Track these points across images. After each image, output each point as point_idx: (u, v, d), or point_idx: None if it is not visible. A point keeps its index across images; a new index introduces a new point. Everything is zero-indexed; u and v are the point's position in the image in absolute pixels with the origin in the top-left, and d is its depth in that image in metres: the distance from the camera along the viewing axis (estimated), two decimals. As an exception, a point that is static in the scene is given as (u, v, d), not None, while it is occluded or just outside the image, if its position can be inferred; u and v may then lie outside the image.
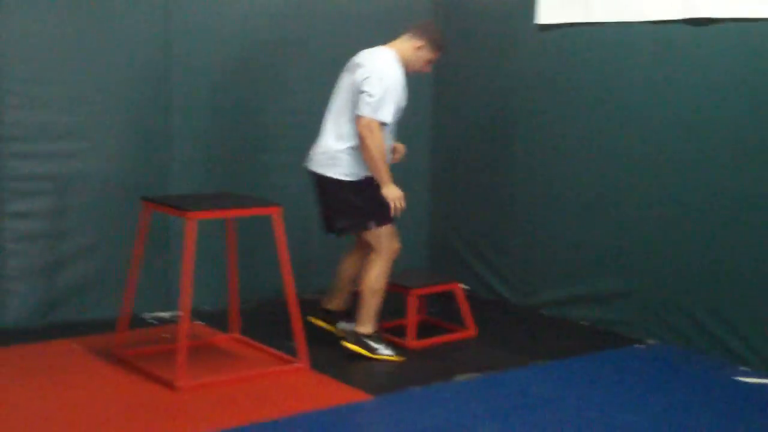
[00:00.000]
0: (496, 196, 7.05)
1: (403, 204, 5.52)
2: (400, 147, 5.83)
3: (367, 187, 5.51)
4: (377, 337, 5.62)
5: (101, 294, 6.06)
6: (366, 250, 5.69)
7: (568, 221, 6.56)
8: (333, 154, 5.52)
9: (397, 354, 5.59)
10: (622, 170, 6.20)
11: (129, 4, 6.06)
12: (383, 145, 5.45)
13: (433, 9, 7.35)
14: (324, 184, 5.60)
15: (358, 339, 5.58)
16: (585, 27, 6.35)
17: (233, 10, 6.43)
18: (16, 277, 5.81)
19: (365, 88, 5.39)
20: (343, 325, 5.81)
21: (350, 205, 5.58)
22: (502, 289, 7.04)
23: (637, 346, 6.00)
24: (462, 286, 6.49)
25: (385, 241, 5.59)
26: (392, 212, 5.51)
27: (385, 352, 5.57)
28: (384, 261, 5.61)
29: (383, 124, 5.42)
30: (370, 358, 5.53)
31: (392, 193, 5.50)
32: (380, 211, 5.54)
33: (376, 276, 5.58)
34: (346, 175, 5.52)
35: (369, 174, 5.50)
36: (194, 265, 4.98)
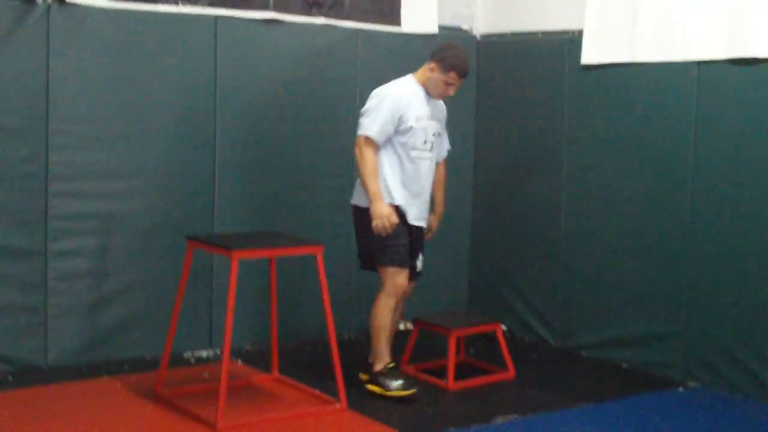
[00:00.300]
0: (538, 237, 7.03)
1: (393, 221, 5.48)
2: (433, 224, 5.96)
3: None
4: (388, 372, 5.57)
5: (143, 332, 6.10)
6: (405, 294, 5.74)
7: (609, 262, 6.53)
8: (358, 182, 5.63)
9: (409, 386, 5.51)
10: (664, 211, 6.17)
11: (178, 45, 6.15)
12: (372, 160, 5.50)
13: (476, 47, 7.38)
14: (353, 213, 5.72)
15: (374, 378, 5.59)
16: (629, 67, 6.35)
17: (277, 51, 6.50)
18: (60, 315, 5.86)
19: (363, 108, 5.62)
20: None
21: (363, 236, 5.64)
22: (543, 330, 7.00)
23: (678, 389, 5.95)
24: (503, 327, 6.48)
25: (390, 277, 5.58)
26: (376, 230, 5.49)
27: (394, 386, 5.50)
28: (387, 297, 5.61)
29: (372, 140, 5.51)
30: (388, 397, 5.50)
31: (379, 210, 5.46)
32: (385, 249, 5.55)
33: (379, 313, 5.60)
34: (360, 203, 5.62)
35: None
36: (236, 303, 5.02)
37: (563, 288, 6.85)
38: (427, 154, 5.66)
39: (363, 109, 5.61)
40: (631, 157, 6.37)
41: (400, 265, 5.56)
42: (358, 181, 5.66)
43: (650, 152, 6.25)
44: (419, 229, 5.75)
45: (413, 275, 5.76)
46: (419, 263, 5.80)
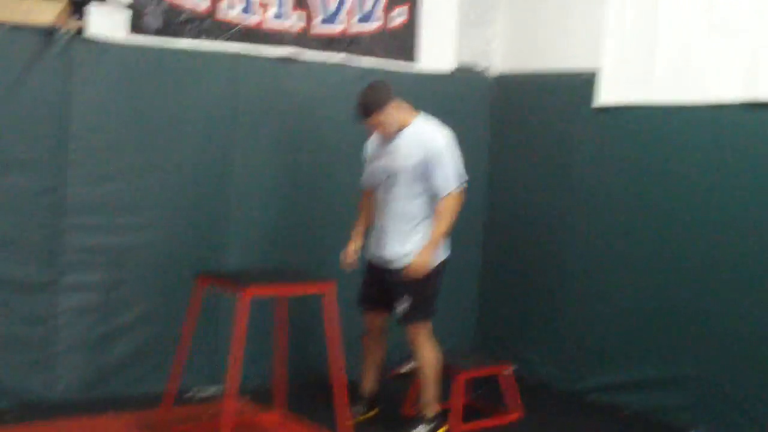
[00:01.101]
0: (546, 280, 7.03)
1: (346, 259, 5.71)
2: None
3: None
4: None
5: (151, 367, 6.11)
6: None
7: (618, 306, 6.52)
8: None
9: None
10: (676, 256, 6.16)
11: (198, 80, 6.21)
12: (361, 203, 5.81)
13: (491, 89, 7.41)
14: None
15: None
16: (645, 109, 6.35)
17: (294, 88, 6.55)
18: (67, 349, 5.88)
19: None
20: None
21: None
22: (549, 373, 6.99)
23: (685, 436, 5.94)
24: (511, 368, 6.47)
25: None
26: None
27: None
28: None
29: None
30: None
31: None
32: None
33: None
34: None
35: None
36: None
37: (571, 331, 6.84)
38: (385, 197, 5.64)
39: None
40: (645, 200, 6.37)
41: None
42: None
43: (665, 195, 6.25)
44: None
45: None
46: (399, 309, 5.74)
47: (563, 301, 6.89)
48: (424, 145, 5.49)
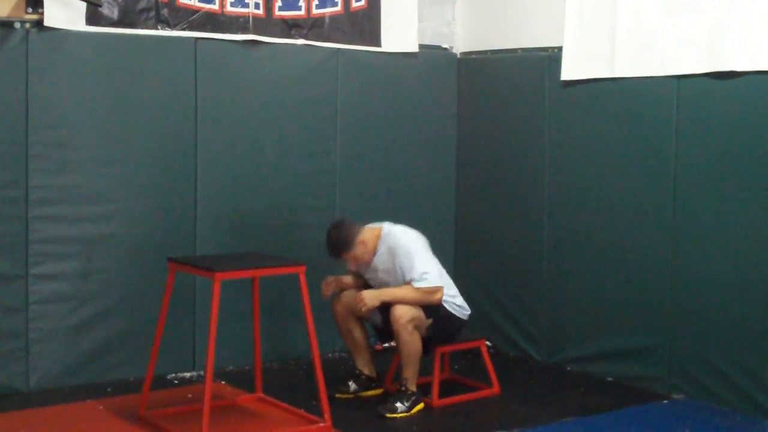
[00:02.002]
0: (521, 253, 7.04)
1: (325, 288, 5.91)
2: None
3: None
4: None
5: (126, 355, 6.09)
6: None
7: (593, 278, 6.54)
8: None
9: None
10: (646, 225, 6.19)
11: (158, 69, 6.17)
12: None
13: (457, 66, 7.42)
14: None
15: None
16: (609, 82, 6.38)
17: (257, 73, 6.54)
18: (41, 339, 5.84)
19: None
20: None
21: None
22: (528, 346, 7.00)
23: (663, 401, 5.95)
24: (487, 343, 6.48)
25: None
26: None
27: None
28: None
29: None
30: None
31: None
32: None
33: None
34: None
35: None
36: (219, 324, 5.02)
37: (548, 303, 6.85)
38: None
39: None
40: (613, 171, 6.40)
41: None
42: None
43: (631, 167, 6.28)
44: None
45: None
46: None
47: (538, 274, 6.90)
48: (393, 254, 5.76)
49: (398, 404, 5.61)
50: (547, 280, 6.86)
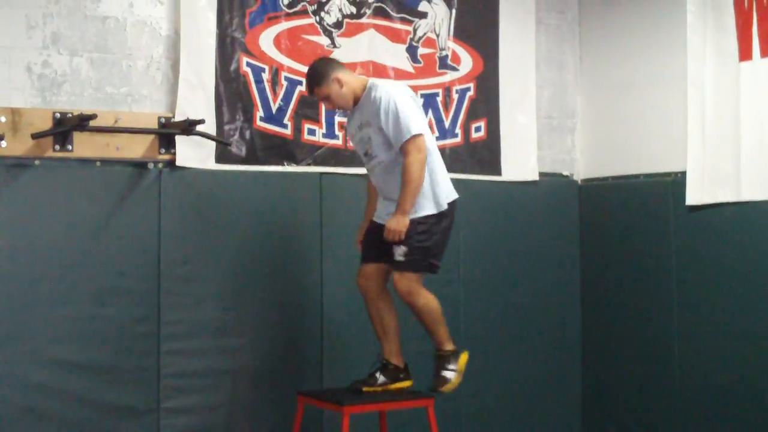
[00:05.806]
0: (651, 383, 6.87)
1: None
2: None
3: None
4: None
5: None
6: None
7: (726, 401, 6.36)
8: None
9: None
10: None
11: (284, 202, 6.31)
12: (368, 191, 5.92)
13: (578, 192, 7.44)
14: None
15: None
16: (735, 206, 6.30)
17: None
18: (173, 471, 5.89)
19: None
20: None
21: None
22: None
23: None
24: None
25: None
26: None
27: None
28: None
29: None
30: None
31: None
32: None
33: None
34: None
35: None
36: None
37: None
38: (371, 163, 5.61)
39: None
40: (744, 295, 6.26)
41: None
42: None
43: (763, 291, 6.14)
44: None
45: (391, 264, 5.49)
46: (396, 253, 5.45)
47: (670, 405, 6.71)
48: (377, 108, 5.41)
49: (447, 372, 5.44)
50: (677, 412, 6.67)
